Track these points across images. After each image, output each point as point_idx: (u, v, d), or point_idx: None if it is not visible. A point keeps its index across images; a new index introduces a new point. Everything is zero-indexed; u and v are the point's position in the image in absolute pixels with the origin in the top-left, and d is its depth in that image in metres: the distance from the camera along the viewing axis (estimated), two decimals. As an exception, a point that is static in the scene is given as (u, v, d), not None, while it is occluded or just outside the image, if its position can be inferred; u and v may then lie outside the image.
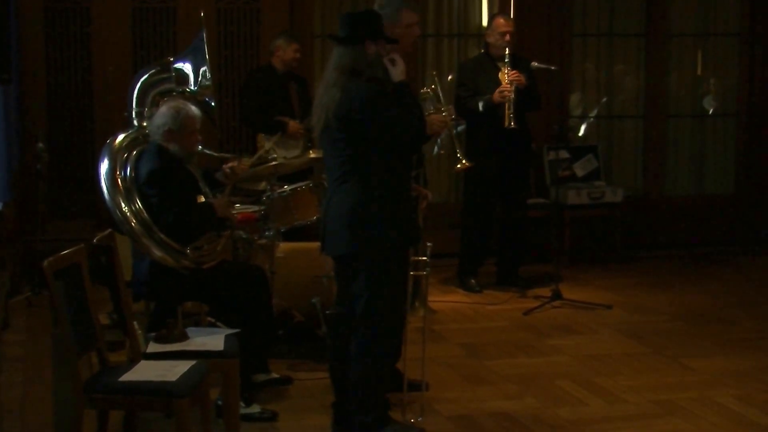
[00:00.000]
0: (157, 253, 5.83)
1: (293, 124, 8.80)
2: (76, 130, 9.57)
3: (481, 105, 8.70)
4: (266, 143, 8.75)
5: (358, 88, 5.30)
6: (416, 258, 5.67)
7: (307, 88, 9.14)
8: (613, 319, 8.14)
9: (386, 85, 5.45)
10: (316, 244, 5.85)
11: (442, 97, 6.60)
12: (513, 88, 8.56)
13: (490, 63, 8.90)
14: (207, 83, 6.56)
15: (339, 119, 5.32)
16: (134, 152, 6.08)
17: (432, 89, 6.54)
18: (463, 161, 6.91)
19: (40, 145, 8.68)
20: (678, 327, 7.94)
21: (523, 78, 8.63)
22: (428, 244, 5.69)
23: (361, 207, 5.35)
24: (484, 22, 10.30)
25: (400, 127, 5.32)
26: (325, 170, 5.66)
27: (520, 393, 6.40)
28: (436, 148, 6.75)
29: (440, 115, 6.31)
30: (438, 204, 10.13)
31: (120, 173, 5.96)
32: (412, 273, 5.67)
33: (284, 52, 9.07)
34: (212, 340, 5.47)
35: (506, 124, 8.54)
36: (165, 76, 6.65)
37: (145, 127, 6.28)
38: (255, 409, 5.88)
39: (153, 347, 5.37)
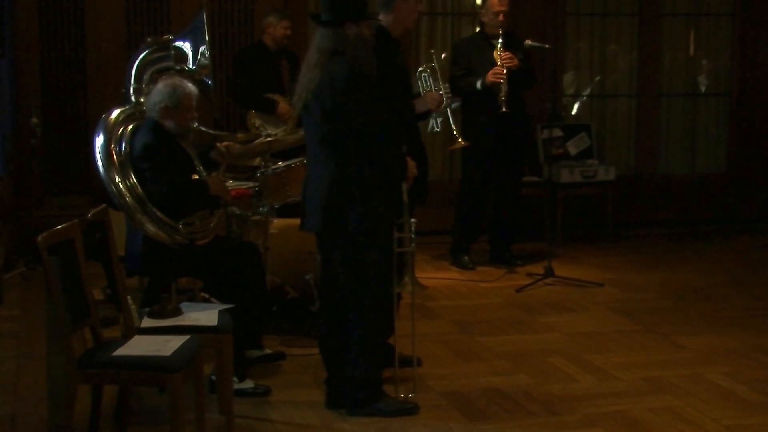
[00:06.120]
0: (151, 228, 5.84)
1: (283, 105, 8.80)
2: (69, 105, 9.57)
3: (479, 83, 8.70)
4: (256, 120, 8.81)
5: (339, 68, 5.36)
6: (400, 235, 5.68)
7: (299, 65, 9.10)
8: (605, 297, 8.17)
9: (369, 66, 5.49)
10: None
11: (440, 75, 6.63)
12: (506, 71, 8.56)
13: (485, 42, 8.89)
14: (205, 62, 6.60)
15: (318, 98, 5.37)
16: (130, 127, 6.09)
17: (430, 67, 6.58)
18: (459, 140, 6.94)
19: (34, 120, 8.69)
20: (669, 305, 7.97)
21: (516, 60, 8.64)
22: (412, 220, 5.71)
23: (337, 186, 5.41)
24: (478, 1, 10.29)
25: (375, 117, 5.38)
26: (306, 149, 5.71)
27: (512, 369, 6.43)
28: (431, 126, 6.79)
29: (436, 93, 6.34)
30: (432, 182, 10.14)
31: (115, 148, 5.96)
32: (397, 250, 5.68)
33: (275, 29, 9.08)
34: (206, 315, 5.49)
35: (500, 107, 8.54)
36: (164, 54, 6.67)
37: (141, 104, 6.29)
38: (248, 384, 5.90)
39: (147, 322, 5.38)
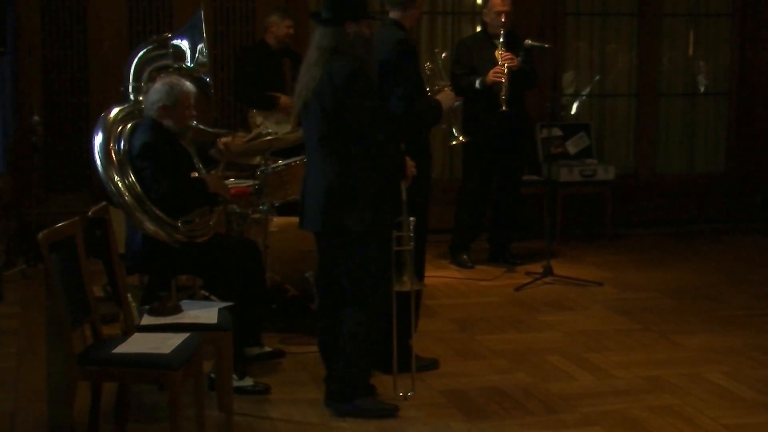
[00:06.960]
0: (150, 227, 5.85)
1: (285, 99, 8.81)
2: (71, 103, 9.59)
3: (478, 83, 8.72)
4: (257, 119, 8.81)
5: (339, 66, 5.36)
6: (399, 233, 5.68)
7: (301, 64, 9.14)
8: (604, 296, 8.18)
9: (369, 65, 5.51)
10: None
11: (443, 74, 6.68)
12: (506, 70, 8.57)
13: (488, 41, 8.90)
14: (203, 60, 6.62)
15: (318, 97, 5.38)
16: (129, 126, 6.10)
17: (433, 65, 6.61)
18: (460, 137, 6.97)
19: (36, 118, 8.71)
20: (668, 304, 7.98)
21: (516, 60, 8.65)
22: (411, 218, 5.71)
23: (336, 185, 5.42)
24: (479, 0, 10.31)
25: (375, 116, 5.39)
26: (305, 147, 5.72)
27: (512, 368, 6.44)
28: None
29: (449, 91, 6.38)
30: (432, 180, 10.16)
31: (114, 146, 5.98)
32: (395, 249, 5.68)
33: (277, 28, 9.09)
34: (206, 313, 5.49)
35: (500, 106, 8.56)
36: (162, 52, 6.69)
37: (140, 102, 6.30)
38: (248, 382, 5.91)
39: (147, 320, 5.39)
